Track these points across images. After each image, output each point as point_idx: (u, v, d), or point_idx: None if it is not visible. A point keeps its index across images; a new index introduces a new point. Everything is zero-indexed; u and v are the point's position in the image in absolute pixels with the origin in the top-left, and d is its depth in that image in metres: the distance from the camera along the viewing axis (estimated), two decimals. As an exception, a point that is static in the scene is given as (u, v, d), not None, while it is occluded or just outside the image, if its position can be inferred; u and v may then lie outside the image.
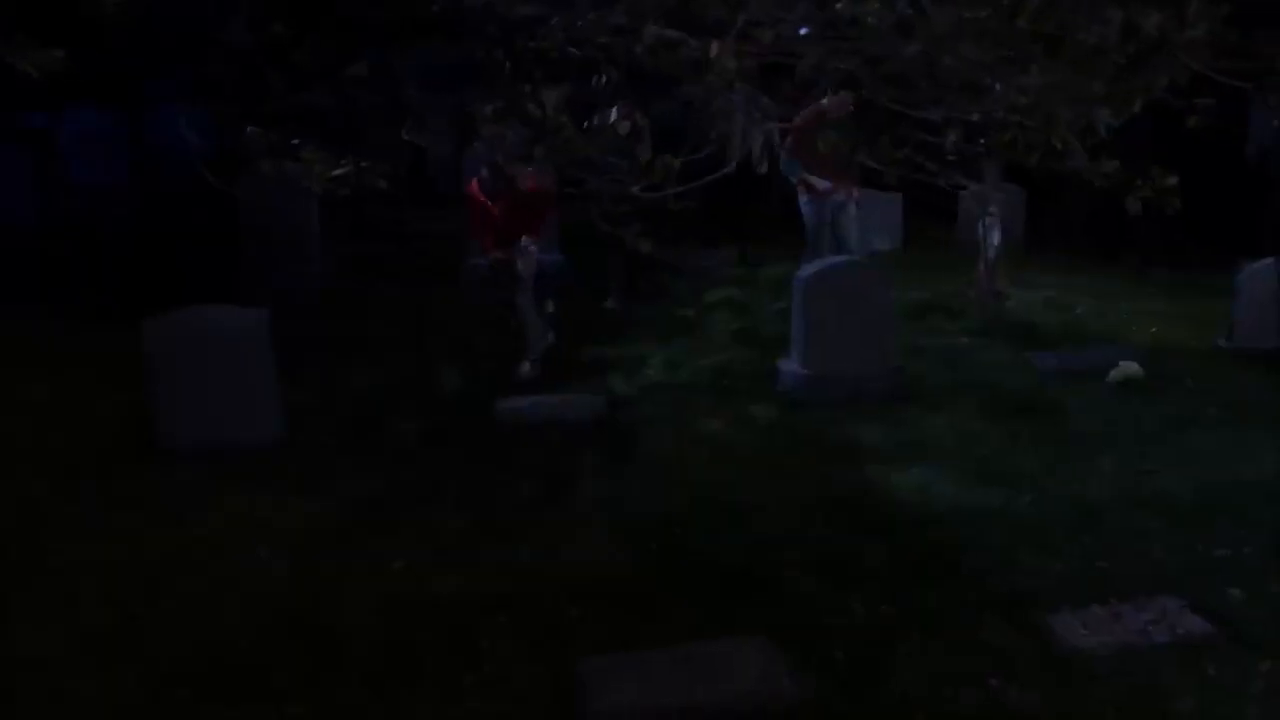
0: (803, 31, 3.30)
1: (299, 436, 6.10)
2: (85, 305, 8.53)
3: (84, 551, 4.85)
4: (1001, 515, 5.18)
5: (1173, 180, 3.72)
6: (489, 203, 7.49)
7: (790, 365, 6.78)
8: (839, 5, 3.20)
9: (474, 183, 7.68)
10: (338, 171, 3.19)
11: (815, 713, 3.66)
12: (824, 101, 8.00)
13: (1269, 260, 7.55)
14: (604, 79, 3.34)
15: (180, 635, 4.17)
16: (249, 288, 8.24)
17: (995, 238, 8.57)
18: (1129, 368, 6.99)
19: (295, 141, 3.24)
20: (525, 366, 7.32)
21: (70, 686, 3.85)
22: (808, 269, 6.74)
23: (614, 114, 3.23)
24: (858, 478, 5.62)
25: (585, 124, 3.36)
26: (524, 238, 7.39)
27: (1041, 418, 6.41)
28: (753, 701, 3.71)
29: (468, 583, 4.54)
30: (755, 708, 3.68)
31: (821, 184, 8.50)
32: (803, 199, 8.68)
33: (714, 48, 2.97)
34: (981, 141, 4.07)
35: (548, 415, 6.33)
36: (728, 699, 3.71)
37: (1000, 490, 5.42)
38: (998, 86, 3.07)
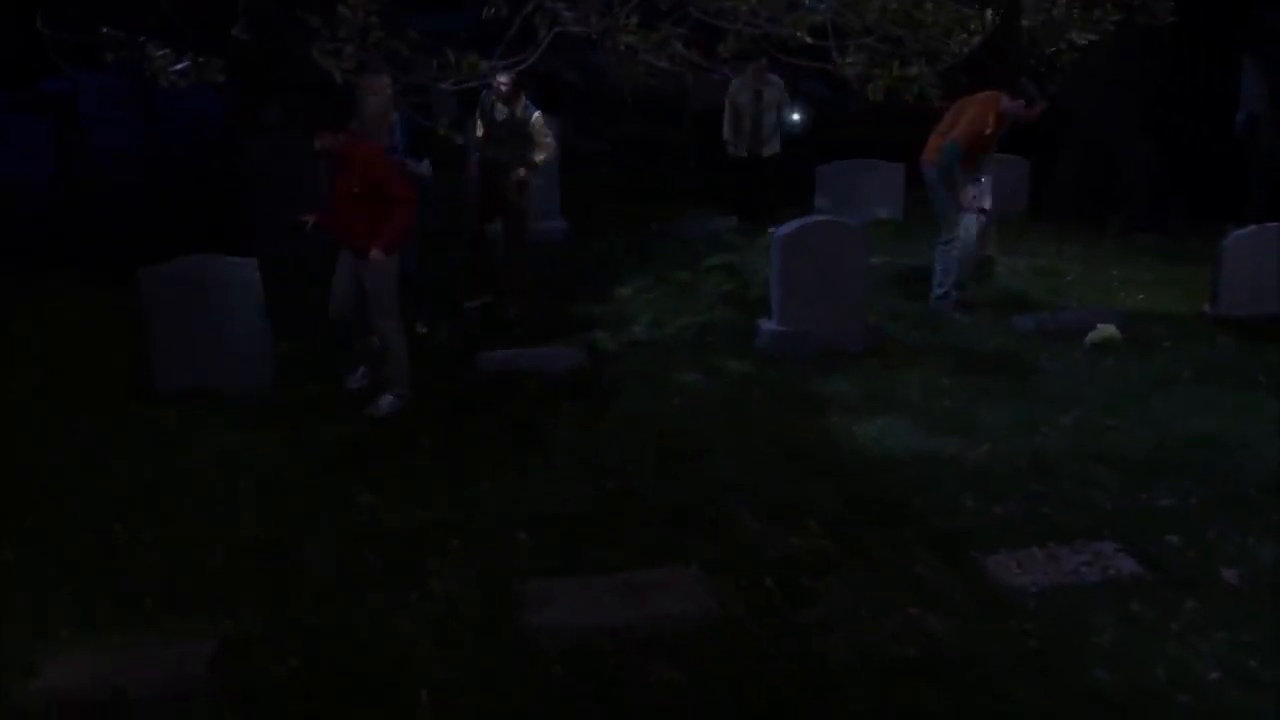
0: None
1: (287, 382, 6.35)
2: (98, 260, 8.84)
3: (72, 482, 5.12)
4: (954, 463, 5.33)
5: (914, 70, 3.83)
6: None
7: (769, 323, 6.93)
8: None
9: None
10: (178, 66, 3.39)
11: (736, 633, 3.85)
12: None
13: (1253, 228, 7.58)
14: (492, 10, 3.51)
15: (151, 555, 4.44)
16: (253, 244, 8.49)
17: (986, 204, 8.61)
18: (1106, 330, 7.08)
19: (142, 39, 3.45)
20: (385, 401, 6.05)
21: (44, 596, 4.11)
22: (785, 227, 6.88)
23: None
24: (818, 427, 5.78)
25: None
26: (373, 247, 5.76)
27: (1012, 376, 6.53)
28: (680, 623, 3.91)
29: (427, 514, 4.77)
30: (681, 629, 3.87)
31: (970, 197, 7.81)
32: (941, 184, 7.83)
33: None
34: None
35: (527, 366, 6.53)
36: (656, 620, 3.91)
37: (957, 440, 5.56)
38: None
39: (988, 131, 7.47)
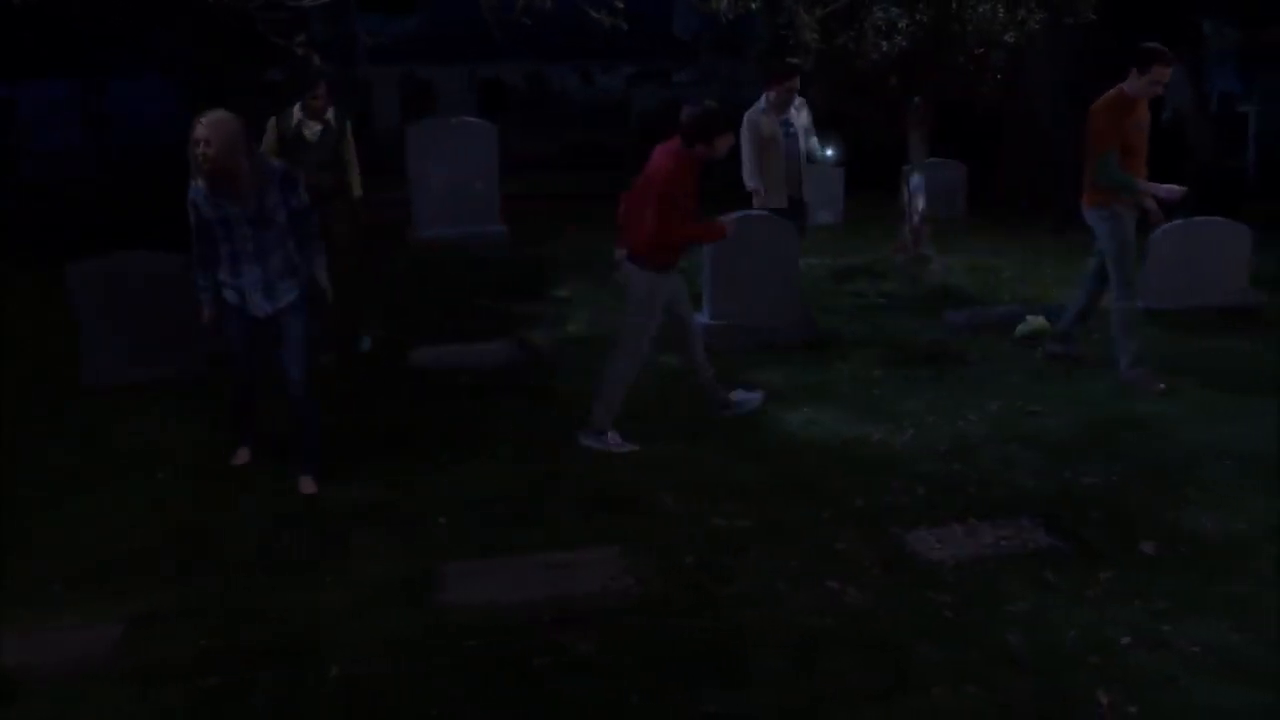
0: None
1: (224, 377, 6.28)
2: (40, 258, 8.78)
3: (-7, 471, 5.06)
4: (879, 446, 5.38)
5: None
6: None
7: (700, 317, 6.96)
8: None
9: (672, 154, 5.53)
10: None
11: (653, 608, 3.85)
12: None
13: (1179, 222, 7.72)
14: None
15: (67, 542, 4.39)
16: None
17: (920, 203, 8.75)
18: (1036, 322, 7.18)
19: None
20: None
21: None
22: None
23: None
24: (746, 414, 5.81)
25: None
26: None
27: (941, 366, 6.60)
28: (597, 600, 3.91)
29: (353, 500, 4.75)
30: (598, 605, 3.88)
31: (1158, 192, 6.14)
32: (1101, 220, 6.23)
33: None
34: None
35: (461, 360, 6.53)
36: (573, 598, 3.91)
37: (883, 425, 5.61)
38: None
39: (1131, 126, 6.08)
